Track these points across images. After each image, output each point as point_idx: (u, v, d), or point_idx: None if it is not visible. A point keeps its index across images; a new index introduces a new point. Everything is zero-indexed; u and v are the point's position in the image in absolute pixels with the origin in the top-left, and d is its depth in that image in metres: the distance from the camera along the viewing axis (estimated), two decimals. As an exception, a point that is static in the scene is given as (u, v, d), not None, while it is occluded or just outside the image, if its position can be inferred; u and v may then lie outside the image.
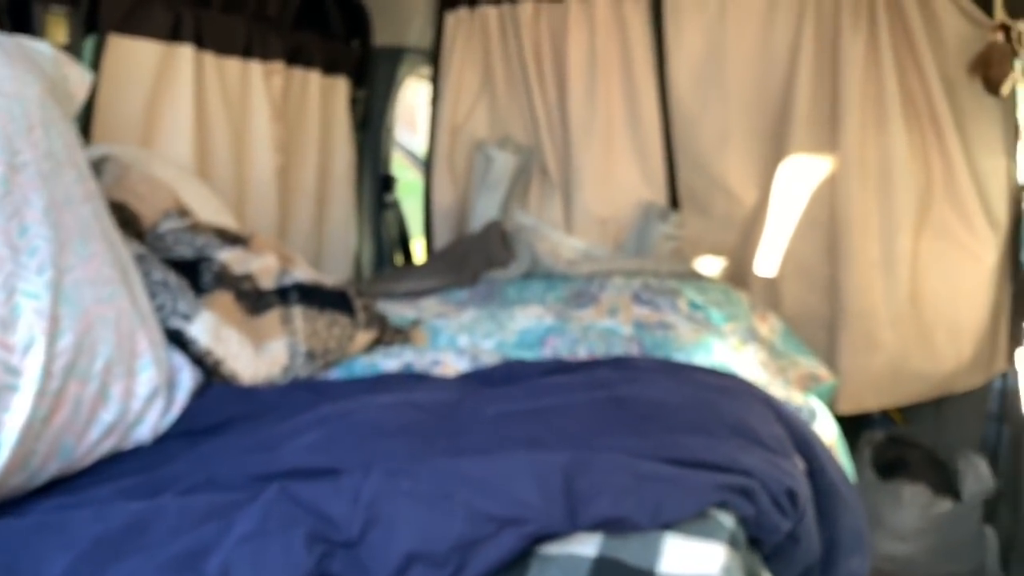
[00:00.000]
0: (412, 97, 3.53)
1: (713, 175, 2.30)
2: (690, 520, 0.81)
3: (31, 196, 0.87)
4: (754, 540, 0.89)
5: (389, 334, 1.47)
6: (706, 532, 0.80)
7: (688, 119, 2.31)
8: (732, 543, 0.80)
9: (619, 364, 1.12)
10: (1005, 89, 1.95)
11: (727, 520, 0.84)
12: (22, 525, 0.71)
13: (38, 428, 0.82)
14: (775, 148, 2.21)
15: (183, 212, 1.41)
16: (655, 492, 0.78)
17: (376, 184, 2.63)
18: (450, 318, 1.65)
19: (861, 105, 2.06)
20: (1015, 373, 2.14)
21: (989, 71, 1.97)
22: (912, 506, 2.07)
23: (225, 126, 1.92)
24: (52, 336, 0.82)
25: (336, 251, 2.42)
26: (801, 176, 2.17)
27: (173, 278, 1.13)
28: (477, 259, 2.06)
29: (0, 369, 0.77)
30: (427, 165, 2.51)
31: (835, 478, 1.01)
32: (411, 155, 3.27)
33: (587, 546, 0.77)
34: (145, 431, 0.97)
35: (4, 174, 0.84)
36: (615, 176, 2.38)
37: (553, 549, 0.77)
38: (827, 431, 1.20)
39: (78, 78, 1.12)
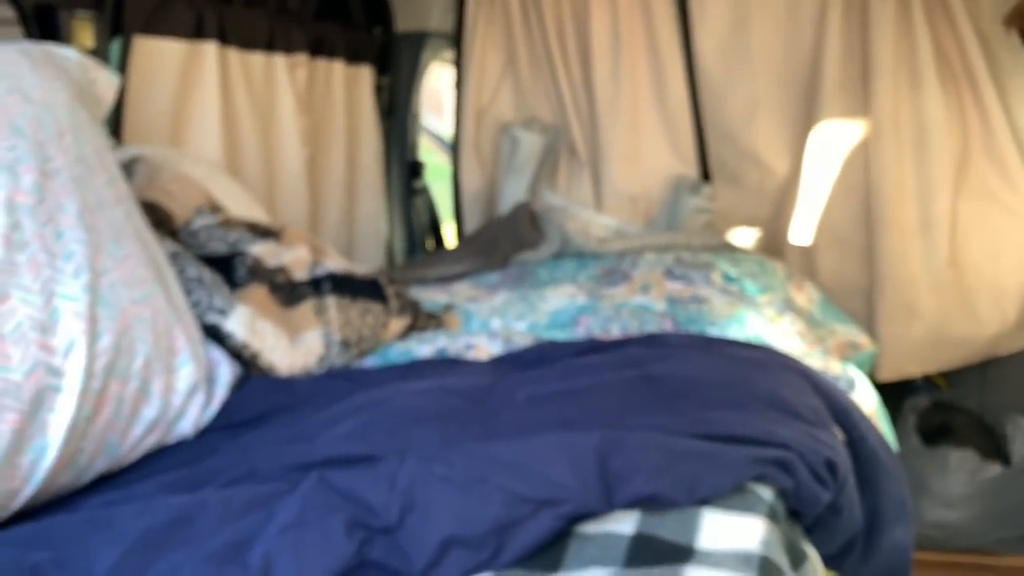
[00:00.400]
0: (436, 81, 3.53)
1: (743, 146, 2.27)
2: (728, 495, 0.81)
3: (64, 201, 0.89)
4: (794, 513, 0.89)
5: (422, 320, 1.48)
6: (744, 506, 0.80)
7: (716, 91, 2.28)
8: (771, 516, 0.80)
9: (651, 341, 1.12)
10: (1043, 42, 1.89)
11: (766, 493, 0.83)
12: (71, 521, 0.73)
13: (83, 427, 0.84)
14: (806, 116, 2.17)
15: (215, 208, 1.43)
16: (690, 468, 0.78)
17: (404, 171, 2.63)
18: (482, 302, 1.65)
19: (893, 66, 2.01)
20: (1062, 333, 2.09)
21: (1026, 24, 1.91)
22: (959, 472, 2.04)
23: (252, 120, 1.94)
24: (92, 337, 0.84)
25: (367, 239, 2.44)
26: (833, 143, 2.13)
27: (207, 274, 1.15)
28: (507, 241, 2.06)
29: (43, 371, 0.79)
30: (454, 149, 2.51)
31: (876, 447, 1.00)
32: (438, 139, 3.27)
33: (624, 524, 0.77)
34: (187, 425, 0.99)
35: (37, 181, 0.86)
36: (643, 152, 2.36)
37: (590, 528, 0.77)
38: (867, 400, 1.19)
39: (105, 81, 1.14)
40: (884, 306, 2.07)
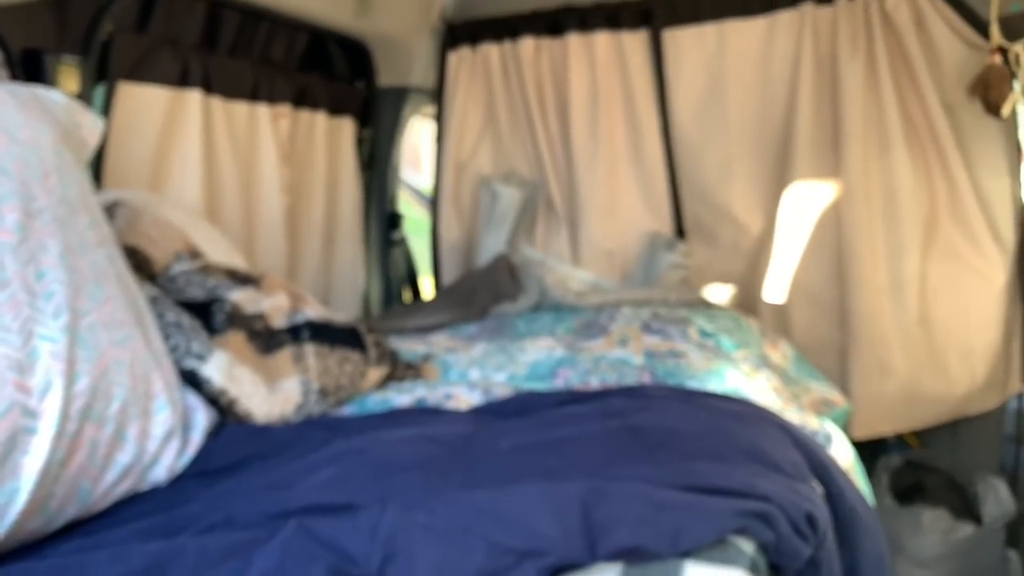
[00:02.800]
0: (416, 136, 3.57)
1: (718, 204, 2.32)
2: (709, 547, 0.80)
3: (47, 242, 0.88)
4: (775, 568, 0.88)
5: (400, 370, 1.47)
6: (726, 559, 0.79)
7: (691, 150, 2.33)
8: (753, 570, 0.80)
9: (632, 393, 1.12)
10: (1005, 111, 1.96)
11: (747, 546, 0.83)
12: (41, 567, 0.71)
13: (56, 471, 0.82)
14: (779, 176, 2.23)
15: (194, 254, 1.42)
16: (673, 520, 0.78)
17: (383, 222, 2.64)
18: (460, 352, 1.65)
19: (863, 130, 2.07)
20: (1029, 394, 2.13)
21: (988, 93, 1.98)
22: (933, 531, 2.05)
23: (233, 168, 1.95)
24: (69, 379, 0.83)
25: (344, 289, 2.43)
26: (806, 202, 2.18)
27: (186, 319, 1.14)
28: (485, 293, 2.06)
29: (18, 412, 0.77)
30: (433, 202, 2.53)
31: (854, 502, 1.00)
32: (417, 193, 3.29)
33: (607, 573, 0.76)
34: (161, 472, 0.97)
35: (20, 220, 0.86)
36: (620, 208, 2.40)
37: (573, 578, 0.76)
38: (844, 455, 1.20)
39: (90, 125, 1.14)
40: (857, 364, 2.10)
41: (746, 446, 0.91)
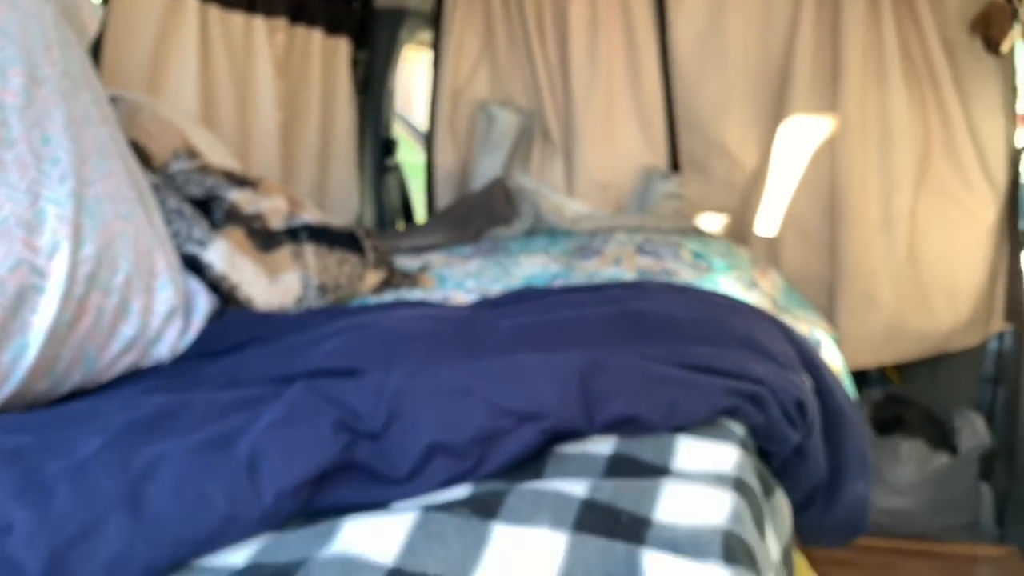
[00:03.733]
0: (408, 79, 3.53)
1: (713, 138, 2.32)
2: (701, 426, 0.83)
3: (52, 110, 0.88)
4: (763, 454, 0.91)
5: (397, 277, 1.48)
6: (718, 436, 0.82)
7: (689, 83, 2.33)
8: (743, 447, 0.82)
9: (629, 285, 1.14)
10: (1005, 48, 1.96)
11: (738, 429, 0.86)
12: (53, 413, 0.73)
13: (63, 333, 0.83)
14: (775, 110, 2.23)
15: (192, 153, 1.42)
16: (668, 393, 0.80)
17: (377, 147, 2.63)
18: (456, 267, 1.66)
19: (861, 66, 2.07)
20: (1011, 334, 2.17)
21: (989, 30, 1.99)
22: (909, 461, 2.10)
23: (229, 79, 1.93)
24: (76, 243, 0.83)
25: (337, 212, 2.42)
26: (801, 137, 2.18)
27: (187, 207, 1.14)
28: (480, 216, 2.07)
29: (27, 270, 0.78)
30: (429, 128, 2.52)
31: (841, 400, 1.03)
32: (413, 129, 3.25)
33: (602, 446, 0.79)
34: (164, 349, 0.98)
35: (25, 85, 0.85)
36: (616, 139, 2.39)
37: (569, 448, 0.78)
38: (833, 359, 1.22)
39: (89, 12, 1.13)
40: (845, 297, 2.13)
41: (740, 335, 0.93)
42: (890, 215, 2.10)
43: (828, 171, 2.15)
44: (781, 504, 0.88)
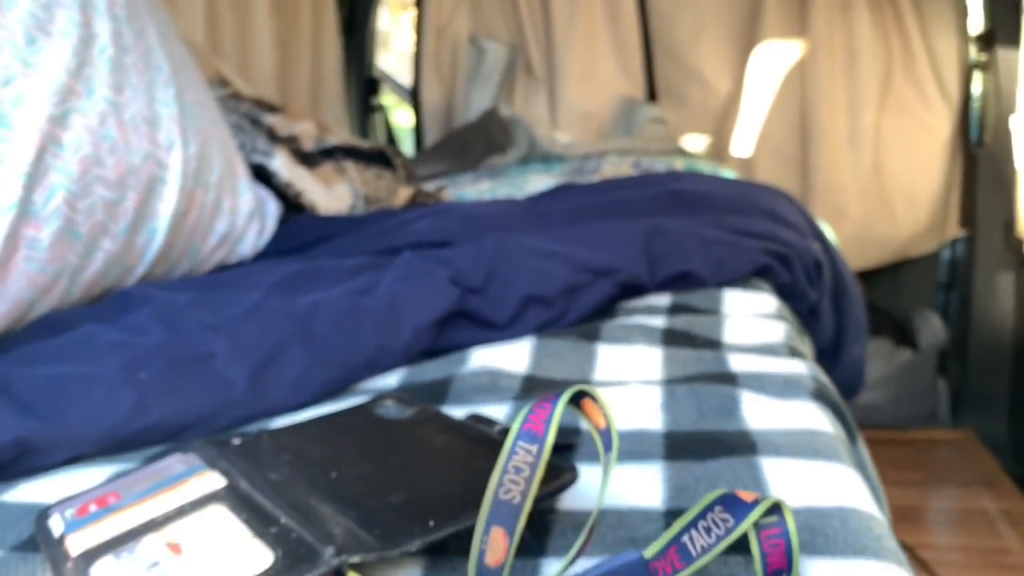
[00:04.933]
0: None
1: (689, 66, 2.45)
2: (741, 283, 0.97)
3: (147, 23, 0.96)
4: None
5: (421, 195, 1.59)
6: (756, 288, 0.96)
7: (664, 13, 2.45)
8: (777, 297, 0.97)
9: (664, 173, 1.27)
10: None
11: (767, 287, 1.00)
12: (195, 282, 0.83)
13: (178, 223, 0.93)
14: (747, 37, 2.37)
15: (224, 82, 1.49)
16: (716, 252, 0.94)
17: (363, 87, 2.70)
18: (467, 188, 1.77)
19: (828, -9, 2.22)
20: (963, 242, 2.37)
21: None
22: (877, 357, 2.30)
23: (230, 18, 1.98)
24: (184, 141, 0.93)
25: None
26: (772, 62, 2.33)
27: (246, 122, 1.23)
28: (477, 145, 2.17)
29: (153, 162, 0.87)
30: (415, 66, 2.60)
31: (843, 270, 1.18)
32: (398, 86, 3.29)
33: (662, 299, 0.92)
34: (247, 247, 1.08)
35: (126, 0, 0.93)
36: (596, 71, 2.51)
37: (635, 303, 0.92)
38: (831, 236, 1.37)
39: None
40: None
41: (765, 207, 1.07)
42: (856, 132, 2.27)
43: (798, 93, 2.31)
44: (806, 343, 1.03)
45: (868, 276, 2.54)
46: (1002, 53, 2.11)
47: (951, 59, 2.24)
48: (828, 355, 1.21)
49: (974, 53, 2.22)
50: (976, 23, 2.21)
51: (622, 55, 2.51)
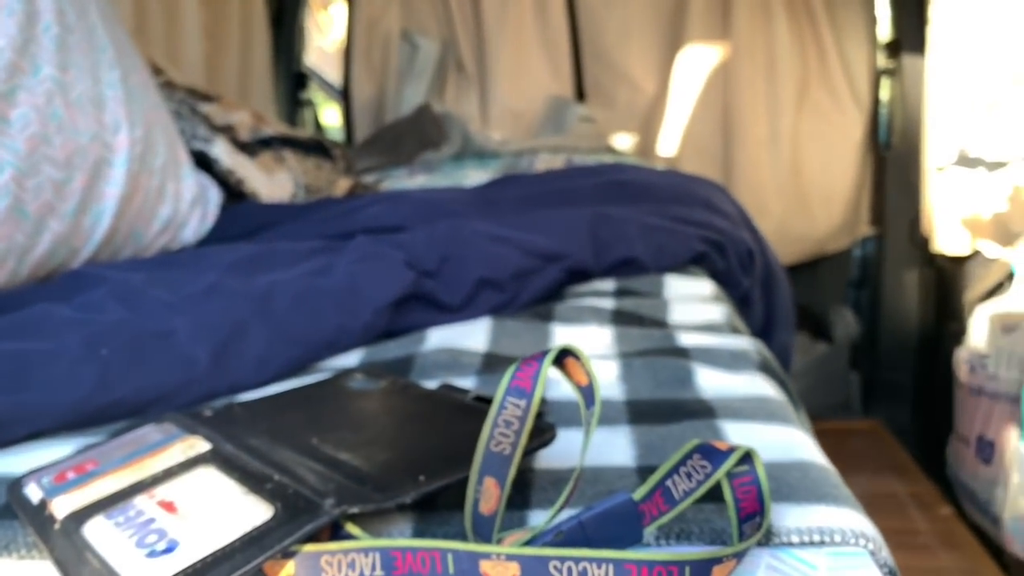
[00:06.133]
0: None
1: (617, 67, 2.51)
2: (679, 269, 1.01)
3: (88, 4, 0.94)
4: (719, 299, 1.10)
5: (360, 187, 1.59)
6: (694, 274, 1.01)
7: (593, 13, 2.50)
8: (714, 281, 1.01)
9: (606, 165, 1.31)
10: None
11: (703, 273, 1.05)
12: (147, 263, 0.82)
13: (124, 207, 0.91)
14: (673, 39, 2.45)
15: (158, 69, 1.46)
16: (657, 239, 0.98)
17: (291, 81, 2.67)
18: (403, 181, 1.78)
19: (749, 0, 2.31)
20: (872, 241, 2.50)
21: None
22: (796, 351, 2.41)
23: (158, 5, 1.94)
24: (130, 124, 0.91)
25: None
26: (697, 65, 2.41)
27: (185, 109, 1.21)
28: (411, 141, 2.17)
29: (100, 143, 0.86)
30: (345, 60, 2.58)
31: (772, 260, 1.24)
32: (328, 86, 3.24)
33: (607, 284, 0.96)
34: (189, 234, 1.07)
35: (67, -22, 0.91)
36: (526, 70, 2.55)
37: (581, 287, 0.95)
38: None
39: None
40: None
41: (701, 198, 1.12)
42: (775, 133, 2.37)
43: (721, 95, 2.39)
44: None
45: (786, 272, 2.65)
46: (908, 60, 2.24)
47: (862, 65, 2.36)
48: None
49: (883, 60, 2.34)
50: (885, 32, 2.34)
51: (552, 54, 2.55)
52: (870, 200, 2.47)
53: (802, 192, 2.41)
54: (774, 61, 2.34)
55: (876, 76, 2.37)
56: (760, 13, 2.33)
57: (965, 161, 1.95)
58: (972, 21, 1.95)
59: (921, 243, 2.28)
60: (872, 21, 2.35)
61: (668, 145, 2.46)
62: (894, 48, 2.29)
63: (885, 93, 2.37)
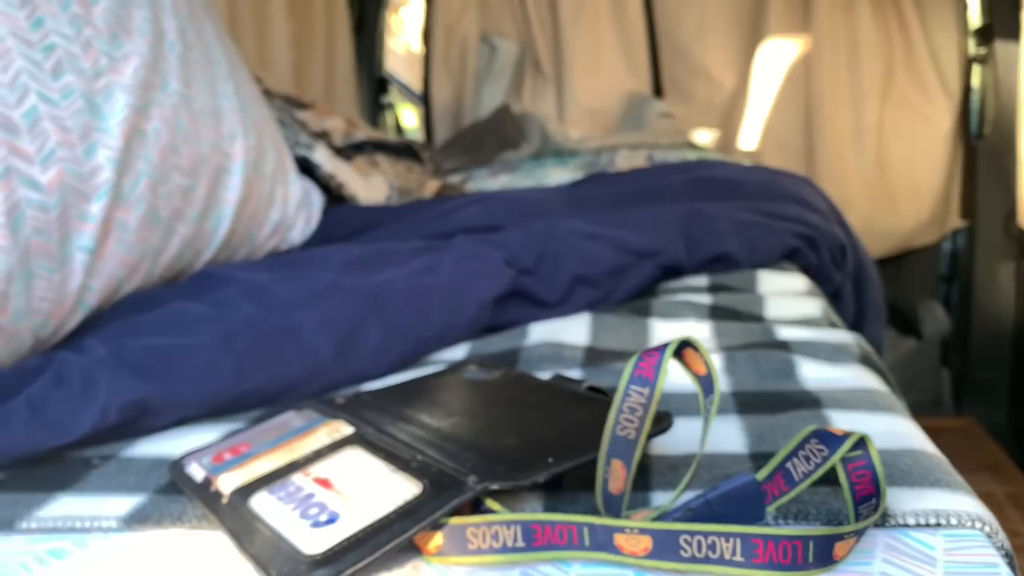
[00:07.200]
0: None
1: (694, 62, 2.51)
2: (773, 264, 1.02)
3: (204, 21, 1.00)
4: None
5: (447, 187, 1.63)
6: (787, 270, 1.01)
7: (670, 9, 2.50)
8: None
9: (693, 162, 1.32)
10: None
11: (795, 269, 1.05)
12: (268, 263, 0.87)
13: (240, 210, 0.97)
14: (751, 33, 2.43)
15: (256, 79, 1.53)
16: (750, 234, 0.99)
17: (373, 85, 2.74)
18: (487, 181, 1.82)
19: (830, -11, 2.28)
20: (963, 233, 2.43)
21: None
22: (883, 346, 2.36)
23: (250, 20, 2.03)
24: (245, 132, 0.97)
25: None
26: (777, 58, 2.39)
27: (287, 117, 1.28)
28: (491, 141, 2.22)
29: (219, 153, 0.92)
30: (425, 65, 2.64)
31: (863, 255, 1.24)
32: (405, 89, 3.32)
33: (700, 280, 0.97)
34: (296, 235, 1.13)
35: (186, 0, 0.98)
36: (603, 67, 2.56)
37: (674, 284, 0.97)
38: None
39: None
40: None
41: (792, 193, 1.12)
42: (860, 126, 2.33)
43: (803, 88, 2.36)
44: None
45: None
46: (1001, 47, 2.17)
47: (951, 53, 2.30)
48: (848, 336, 1.26)
49: (973, 47, 2.28)
50: (975, 17, 2.27)
51: (628, 52, 2.56)
52: (960, 192, 2.40)
53: (888, 185, 2.36)
54: (857, 51, 2.30)
55: (966, 64, 2.30)
56: (842, 2, 2.29)
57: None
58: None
59: (1015, 235, 2.21)
60: (962, 7, 2.28)
61: (749, 140, 2.45)
62: (986, 34, 2.22)
63: (975, 81, 2.30)
